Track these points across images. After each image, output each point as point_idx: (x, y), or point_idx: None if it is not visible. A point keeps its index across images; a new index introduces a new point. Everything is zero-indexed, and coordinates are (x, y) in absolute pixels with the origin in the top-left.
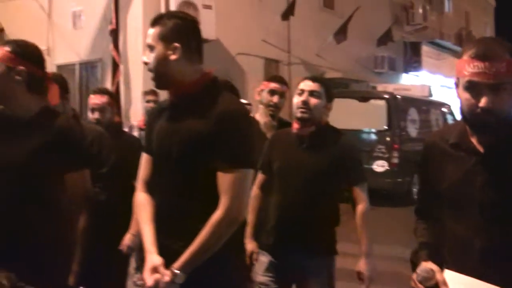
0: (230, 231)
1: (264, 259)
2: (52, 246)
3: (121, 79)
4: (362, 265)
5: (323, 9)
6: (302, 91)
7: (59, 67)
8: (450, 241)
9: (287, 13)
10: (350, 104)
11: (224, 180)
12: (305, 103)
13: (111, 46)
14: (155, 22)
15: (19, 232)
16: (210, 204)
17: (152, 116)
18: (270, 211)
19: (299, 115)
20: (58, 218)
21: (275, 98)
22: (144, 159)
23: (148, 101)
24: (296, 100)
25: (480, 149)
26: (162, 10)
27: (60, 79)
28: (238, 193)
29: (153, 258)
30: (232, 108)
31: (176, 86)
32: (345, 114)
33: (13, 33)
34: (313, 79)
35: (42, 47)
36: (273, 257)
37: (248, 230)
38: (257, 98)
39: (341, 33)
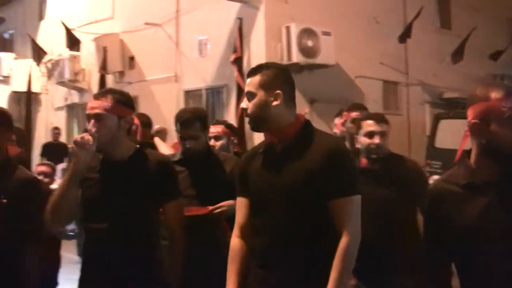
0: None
1: None
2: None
3: None
4: None
5: (440, 30)
6: (372, 132)
7: (187, 92)
8: (471, 273)
9: (404, 36)
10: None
11: (343, 208)
12: (379, 147)
13: (235, 72)
14: (255, 71)
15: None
16: (324, 234)
17: (246, 160)
18: None
19: (374, 156)
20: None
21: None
22: (240, 203)
23: None
24: (366, 141)
25: (494, 180)
26: (284, 38)
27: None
28: (357, 217)
29: None
30: (338, 144)
31: (273, 130)
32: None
33: (143, 61)
34: (380, 119)
35: (171, 74)
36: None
37: None
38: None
39: (458, 53)
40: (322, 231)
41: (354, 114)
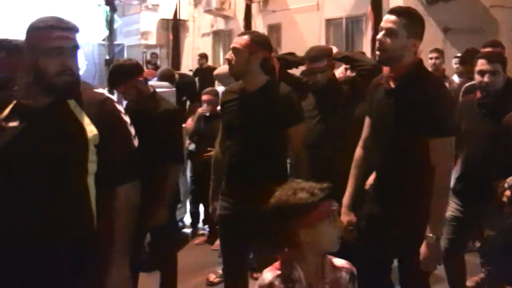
0: None
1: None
2: None
3: None
4: None
5: None
6: (483, 71)
7: (328, 21)
8: None
9: None
10: None
11: (439, 145)
12: (488, 84)
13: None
14: (400, 13)
15: None
16: (418, 163)
17: (372, 88)
18: None
19: (484, 93)
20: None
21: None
22: (367, 122)
23: None
24: (478, 79)
25: None
26: None
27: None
28: (451, 154)
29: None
30: (441, 89)
31: (395, 67)
32: None
33: None
34: (492, 59)
35: (313, 3)
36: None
37: (348, 200)
38: None
39: None
40: (418, 164)
41: (486, 51)
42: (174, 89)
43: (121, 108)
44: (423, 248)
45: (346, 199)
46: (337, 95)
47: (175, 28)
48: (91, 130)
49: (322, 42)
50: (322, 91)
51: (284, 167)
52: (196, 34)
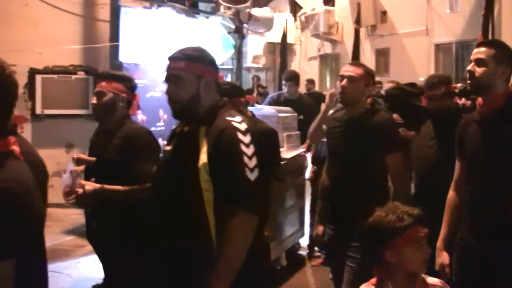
0: None
1: None
2: None
3: None
4: None
5: None
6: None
7: (437, 45)
8: None
9: None
10: None
11: None
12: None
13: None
14: (490, 44)
15: None
16: None
17: (462, 126)
18: None
19: None
20: None
21: None
22: (458, 164)
23: None
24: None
25: None
26: None
27: None
28: None
29: (443, 256)
30: None
31: (488, 97)
32: None
33: (395, 16)
34: None
35: (422, 27)
36: None
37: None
38: None
39: None
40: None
41: None
42: (295, 114)
43: (244, 138)
44: None
45: (439, 242)
46: (455, 123)
47: (283, 51)
48: (202, 158)
49: (431, 67)
50: (440, 119)
51: (384, 191)
52: (302, 58)
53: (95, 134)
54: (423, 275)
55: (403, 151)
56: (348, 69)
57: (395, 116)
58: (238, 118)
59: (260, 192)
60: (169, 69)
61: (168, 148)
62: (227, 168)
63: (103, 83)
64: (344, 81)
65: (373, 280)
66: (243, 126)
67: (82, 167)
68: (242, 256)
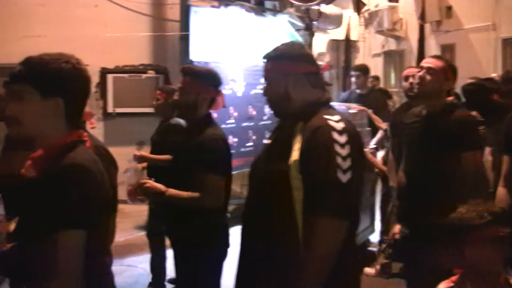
0: None
1: None
2: None
3: None
4: None
5: None
6: None
7: (504, 40)
8: None
9: None
10: None
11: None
12: None
13: None
14: None
15: None
16: None
17: (510, 119)
18: None
19: None
20: None
21: None
22: (506, 160)
23: None
24: None
25: None
26: None
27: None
28: None
29: None
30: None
31: None
32: None
33: (460, 10)
34: None
35: (488, 22)
36: None
37: None
38: None
39: None
40: None
41: None
42: (364, 110)
43: (340, 138)
44: None
45: None
46: None
47: (347, 48)
48: (295, 155)
49: (498, 63)
50: None
51: (463, 188)
52: (366, 55)
53: (157, 132)
54: (507, 276)
55: (482, 150)
56: (428, 61)
57: (474, 113)
58: (336, 117)
59: (351, 194)
60: (263, 70)
61: (267, 142)
62: (317, 168)
63: (187, 79)
64: (422, 72)
65: (454, 278)
66: (339, 126)
67: (144, 164)
68: (328, 261)
